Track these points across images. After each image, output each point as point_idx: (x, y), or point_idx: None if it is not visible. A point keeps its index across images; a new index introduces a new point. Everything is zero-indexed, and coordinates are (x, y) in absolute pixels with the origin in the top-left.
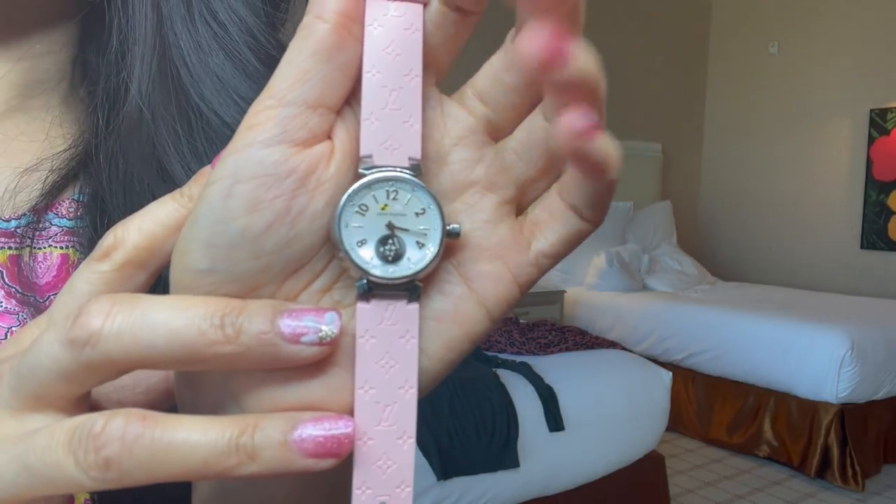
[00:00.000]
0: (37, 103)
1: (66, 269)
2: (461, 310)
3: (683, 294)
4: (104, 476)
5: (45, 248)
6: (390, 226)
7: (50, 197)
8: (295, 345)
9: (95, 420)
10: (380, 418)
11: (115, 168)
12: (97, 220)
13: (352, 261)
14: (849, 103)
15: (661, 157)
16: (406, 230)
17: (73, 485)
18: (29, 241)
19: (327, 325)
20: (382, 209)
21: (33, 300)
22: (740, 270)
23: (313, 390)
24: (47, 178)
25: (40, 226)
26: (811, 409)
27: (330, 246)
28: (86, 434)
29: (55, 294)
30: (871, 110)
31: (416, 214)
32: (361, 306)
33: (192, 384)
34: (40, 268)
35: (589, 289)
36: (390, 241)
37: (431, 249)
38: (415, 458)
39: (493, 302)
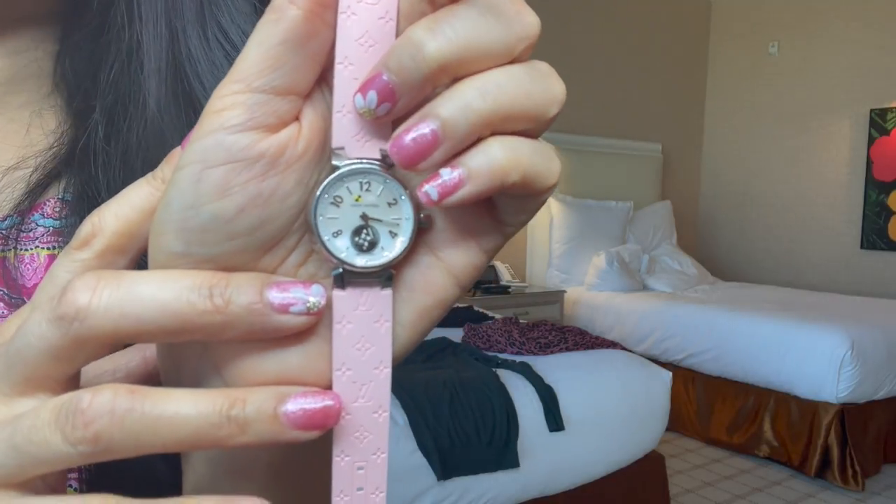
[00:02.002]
0: (17, 101)
1: None
2: (430, 279)
3: (683, 294)
4: (93, 450)
5: (31, 249)
6: (364, 217)
7: (34, 196)
8: (284, 314)
9: (81, 396)
10: (357, 396)
11: (115, 177)
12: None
13: (328, 251)
14: (849, 103)
15: (661, 157)
16: (379, 220)
17: (62, 461)
18: (14, 242)
19: (314, 297)
20: (356, 200)
21: (21, 302)
22: (740, 270)
23: (292, 359)
24: (31, 176)
25: (26, 227)
26: (811, 409)
27: (302, 222)
28: (73, 410)
29: None
30: (871, 110)
31: (389, 205)
32: (337, 293)
33: (174, 356)
34: (27, 269)
35: (589, 289)
36: (364, 231)
37: (403, 239)
38: (389, 427)
39: (461, 269)
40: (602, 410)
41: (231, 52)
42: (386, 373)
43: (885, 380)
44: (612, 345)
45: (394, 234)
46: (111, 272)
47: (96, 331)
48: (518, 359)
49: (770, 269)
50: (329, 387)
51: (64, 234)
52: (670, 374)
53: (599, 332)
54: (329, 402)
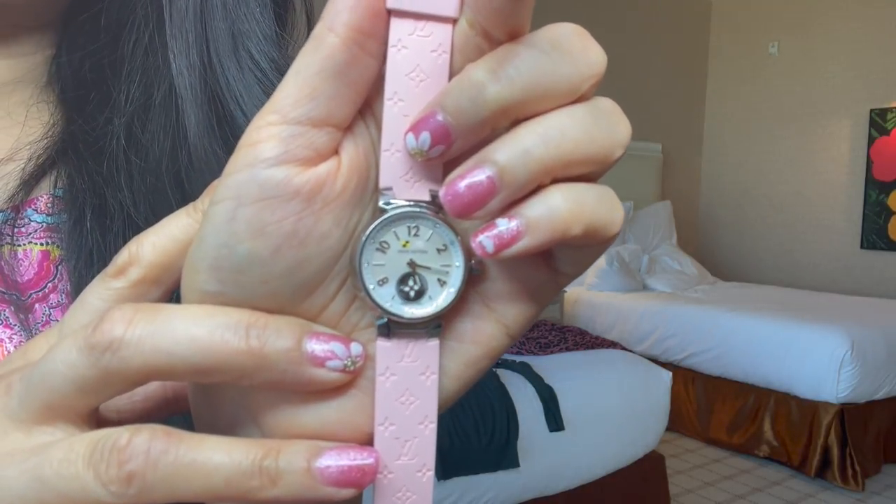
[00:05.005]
0: (15, 98)
1: (48, 266)
2: (480, 329)
3: (683, 294)
4: (125, 491)
5: (25, 244)
6: (412, 264)
7: (28, 187)
8: (319, 368)
9: (120, 434)
10: (400, 453)
11: (140, 183)
12: (80, 216)
13: (373, 300)
14: (849, 103)
15: (661, 157)
16: (428, 268)
17: (90, 499)
18: (8, 237)
19: (354, 355)
20: (404, 246)
21: (16, 298)
22: (740, 270)
23: (330, 411)
24: (25, 167)
25: (20, 222)
26: (811, 409)
27: (342, 267)
28: (109, 447)
29: (37, 291)
30: (871, 110)
31: (438, 251)
32: (382, 344)
33: (210, 399)
34: (21, 265)
35: (589, 289)
36: (412, 279)
37: (453, 289)
38: (433, 487)
39: (512, 319)
40: (602, 410)
41: (262, 79)
42: (431, 428)
43: (885, 380)
44: (612, 345)
45: (443, 283)
46: (149, 305)
47: (127, 363)
48: (518, 359)
49: (770, 269)
50: (369, 442)
51: (58, 230)
52: (670, 374)
53: (599, 332)
54: (366, 461)
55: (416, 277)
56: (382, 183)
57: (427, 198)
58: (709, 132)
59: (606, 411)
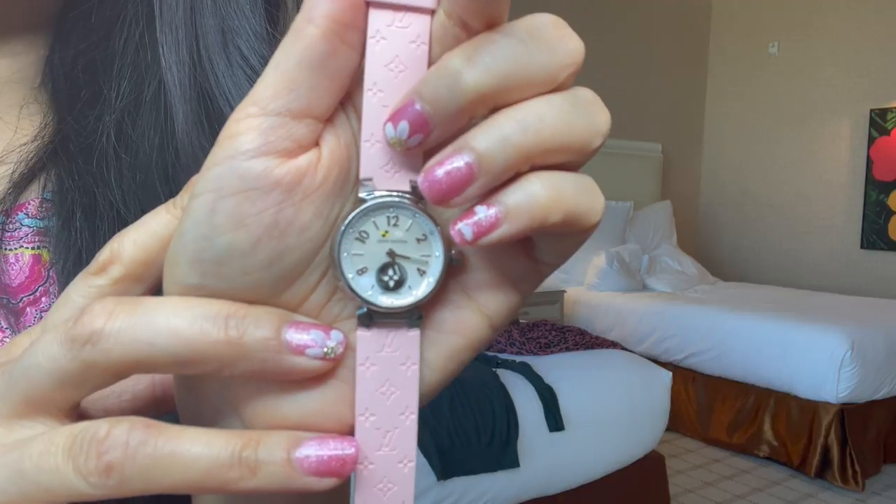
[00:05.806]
0: (8, 100)
1: (39, 270)
2: (461, 319)
3: (683, 294)
4: (104, 482)
5: (16, 248)
6: (391, 254)
7: (18, 190)
8: (299, 356)
9: (99, 426)
10: (380, 444)
11: (130, 180)
12: (69, 216)
13: (352, 290)
14: (849, 103)
15: (661, 157)
16: (407, 258)
17: (70, 491)
18: None
19: (333, 342)
20: (383, 236)
21: (6, 302)
22: (740, 270)
23: (311, 402)
24: (15, 170)
25: (10, 226)
26: (811, 409)
27: (323, 258)
28: (89, 439)
29: (28, 295)
30: (871, 110)
31: (418, 241)
32: (362, 334)
33: (193, 392)
34: (12, 269)
35: (589, 289)
36: (391, 269)
37: (433, 278)
38: (415, 478)
39: (494, 310)
40: (602, 410)
41: (252, 76)
42: (412, 419)
43: (885, 380)
44: (612, 345)
45: (422, 273)
46: (130, 298)
47: (107, 355)
48: (518, 359)
49: (770, 269)
50: (351, 432)
51: (48, 234)
52: (670, 374)
53: (599, 332)
54: (346, 451)
55: (396, 267)
56: (362, 174)
57: (407, 188)
58: (709, 132)
59: (606, 411)
